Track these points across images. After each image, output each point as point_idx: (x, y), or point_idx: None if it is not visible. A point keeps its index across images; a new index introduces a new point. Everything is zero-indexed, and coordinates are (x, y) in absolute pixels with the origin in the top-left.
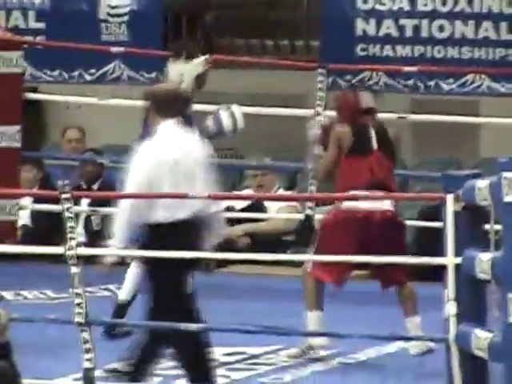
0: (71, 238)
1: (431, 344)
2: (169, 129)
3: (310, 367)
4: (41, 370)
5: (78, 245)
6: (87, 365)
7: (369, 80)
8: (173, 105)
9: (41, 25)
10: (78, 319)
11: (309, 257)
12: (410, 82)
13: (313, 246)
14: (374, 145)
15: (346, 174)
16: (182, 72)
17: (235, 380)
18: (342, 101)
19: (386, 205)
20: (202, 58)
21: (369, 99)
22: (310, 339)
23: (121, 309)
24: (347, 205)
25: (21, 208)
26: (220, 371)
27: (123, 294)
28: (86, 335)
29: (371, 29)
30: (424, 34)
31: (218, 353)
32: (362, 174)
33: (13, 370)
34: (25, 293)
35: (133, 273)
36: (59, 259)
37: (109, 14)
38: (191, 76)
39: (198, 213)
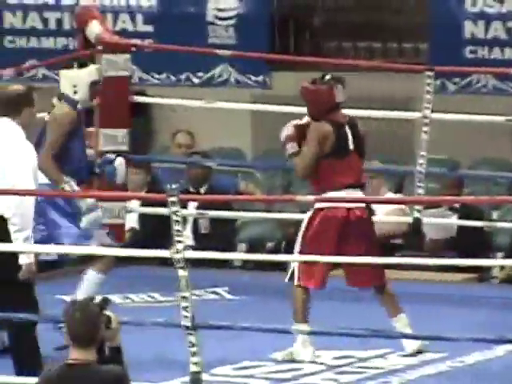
0: (178, 241)
1: (426, 342)
2: None
3: (418, 371)
4: (148, 374)
5: (186, 248)
6: (194, 368)
7: (477, 83)
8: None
9: (148, 28)
10: (184, 323)
11: (417, 260)
12: None
13: (297, 252)
14: (351, 145)
15: (324, 174)
16: (75, 81)
17: (343, 383)
18: (316, 95)
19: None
20: (94, 66)
21: (341, 93)
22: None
23: None
24: (326, 205)
25: (129, 211)
26: (328, 375)
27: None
28: (192, 339)
29: (480, 31)
30: None
31: (327, 356)
32: (342, 175)
33: (126, 373)
34: (132, 296)
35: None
36: (167, 262)
37: (216, 17)
38: (85, 84)
39: None
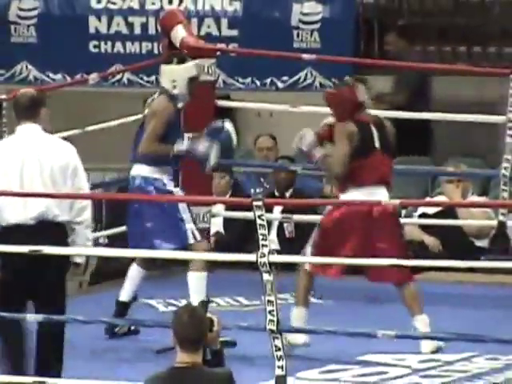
0: (263, 246)
1: (441, 343)
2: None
3: (504, 374)
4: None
5: (271, 252)
6: (279, 372)
7: None
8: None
9: (233, 32)
10: (270, 326)
11: (502, 264)
12: None
13: (314, 244)
14: (377, 144)
15: (348, 173)
16: (174, 76)
17: None
18: (338, 98)
19: (386, 198)
20: (193, 62)
21: (363, 92)
22: (290, 336)
23: (122, 308)
24: (349, 199)
25: (213, 215)
26: (414, 378)
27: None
28: (277, 343)
29: None
30: None
31: (412, 360)
32: (366, 173)
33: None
34: (218, 300)
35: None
36: (252, 266)
37: (301, 21)
38: (184, 80)
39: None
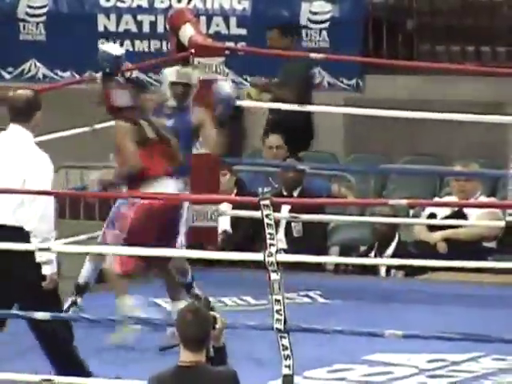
0: (271, 245)
1: None
2: None
3: (511, 374)
4: (241, 376)
5: (278, 251)
6: (286, 371)
7: None
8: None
9: (242, 31)
10: (277, 326)
11: (510, 264)
12: None
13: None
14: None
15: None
16: (163, 79)
17: None
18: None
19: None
20: (177, 68)
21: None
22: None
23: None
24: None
25: (221, 214)
26: (421, 378)
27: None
28: (285, 342)
29: None
30: None
31: (419, 360)
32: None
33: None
34: (225, 299)
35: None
36: (260, 265)
37: (310, 20)
38: (166, 83)
39: None
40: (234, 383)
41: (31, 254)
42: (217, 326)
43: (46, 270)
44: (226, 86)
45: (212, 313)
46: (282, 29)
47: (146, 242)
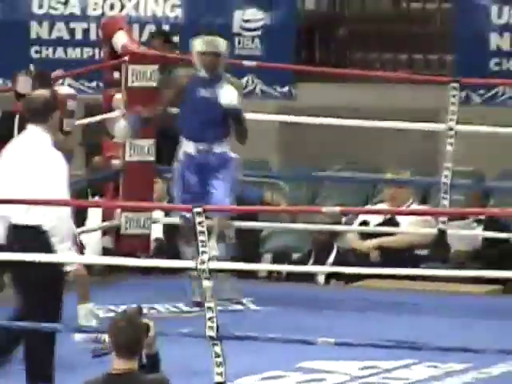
0: (203, 252)
1: None
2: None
3: (443, 382)
4: None
5: (211, 259)
6: (218, 379)
7: (502, 95)
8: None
9: (175, 38)
10: (209, 333)
11: (442, 272)
12: None
13: None
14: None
15: None
16: None
17: None
18: None
19: None
20: (201, 37)
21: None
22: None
23: None
24: None
25: (154, 221)
26: None
27: None
28: (217, 349)
29: (505, 43)
30: None
31: (352, 367)
32: None
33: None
34: (158, 306)
35: None
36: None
37: (242, 28)
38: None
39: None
40: None
41: (49, 251)
42: (150, 334)
43: (70, 267)
44: (228, 94)
45: (145, 320)
46: (165, 36)
47: None
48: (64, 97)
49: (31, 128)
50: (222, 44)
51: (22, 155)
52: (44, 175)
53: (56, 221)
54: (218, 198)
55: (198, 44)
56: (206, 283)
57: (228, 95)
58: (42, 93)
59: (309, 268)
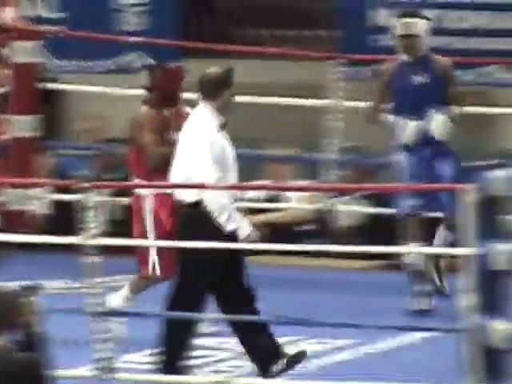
0: (90, 228)
1: None
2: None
3: (333, 358)
4: (58, 361)
5: (98, 235)
6: (103, 355)
7: None
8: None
9: (62, 14)
10: (93, 309)
11: (324, 247)
12: None
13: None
14: None
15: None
16: None
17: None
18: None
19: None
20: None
21: None
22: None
23: None
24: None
25: (38, 198)
26: (237, 362)
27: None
28: (102, 325)
29: (388, 20)
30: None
31: (236, 344)
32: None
33: (40, 360)
34: (44, 282)
35: None
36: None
37: (127, 4)
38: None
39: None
40: (33, 369)
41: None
42: (30, 313)
43: (244, 232)
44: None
45: (25, 299)
46: None
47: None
48: None
49: (200, 106)
50: (419, 25)
51: (187, 133)
52: (193, 155)
53: (209, 196)
54: None
55: (397, 27)
56: (91, 259)
57: (438, 128)
58: (214, 70)
59: (194, 244)
